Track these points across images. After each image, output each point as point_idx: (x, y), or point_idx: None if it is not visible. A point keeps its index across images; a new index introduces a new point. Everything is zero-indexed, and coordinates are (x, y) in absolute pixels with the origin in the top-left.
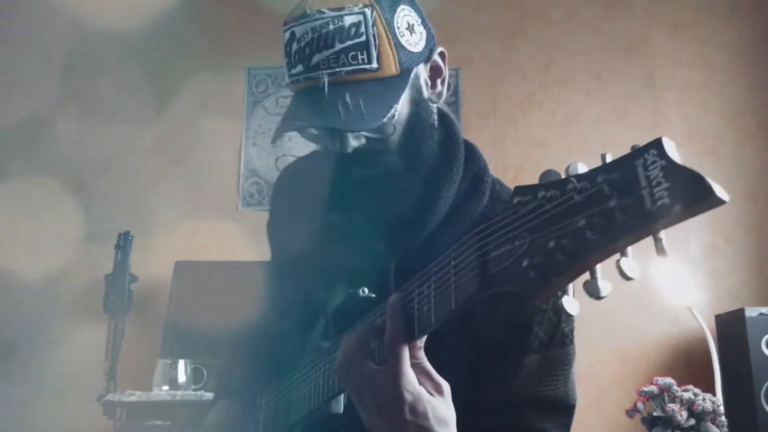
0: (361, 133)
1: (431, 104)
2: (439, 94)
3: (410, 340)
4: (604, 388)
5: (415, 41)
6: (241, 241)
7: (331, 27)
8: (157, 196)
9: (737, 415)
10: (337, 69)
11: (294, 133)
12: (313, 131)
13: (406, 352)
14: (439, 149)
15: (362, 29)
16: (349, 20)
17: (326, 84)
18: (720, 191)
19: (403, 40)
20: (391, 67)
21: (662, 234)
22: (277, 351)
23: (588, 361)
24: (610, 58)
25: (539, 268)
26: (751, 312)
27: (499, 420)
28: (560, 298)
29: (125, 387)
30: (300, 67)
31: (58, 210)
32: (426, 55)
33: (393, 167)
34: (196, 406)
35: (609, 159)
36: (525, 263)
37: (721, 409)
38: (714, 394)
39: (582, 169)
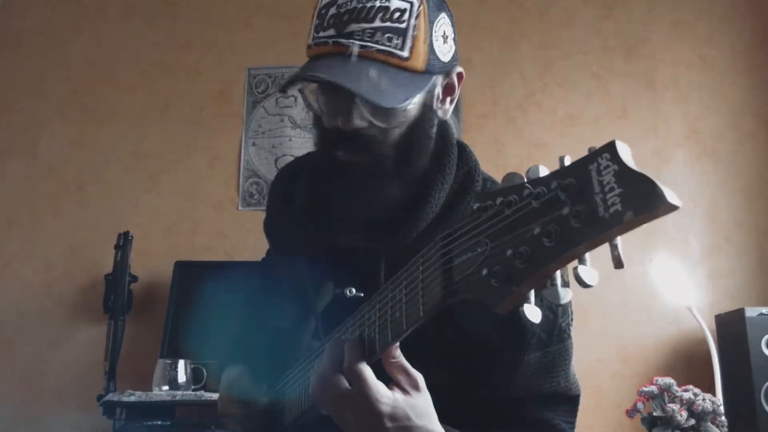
0: (367, 117)
1: (436, 117)
2: (445, 112)
3: (371, 359)
4: (604, 388)
5: (444, 51)
6: (241, 241)
7: (377, 4)
8: (157, 196)
9: (737, 415)
10: (369, 43)
11: (294, 132)
12: (319, 98)
13: (368, 371)
14: (432, 153)
15: (405, 17)
16: (395, 4)
17: (355, 53)
18: (672, 197)
19: (435, 45)
20: (419, 63)
21: (618, 241)
22: (272, 351)
23: (588, 361)
24: (609, 58)
25: (499, 276)
26: (751, 312)
27: (501, 413)
28: (522, 305)
29: (125, 387)
30: (331, 31)
31: (58, 210)
32: (447, 69)
33: (384, 161)
34: (196, 406)
35: (567, 161)
36: (485, 272)
37: (721, 409)
38: (714, 394)
39: (543, 172)
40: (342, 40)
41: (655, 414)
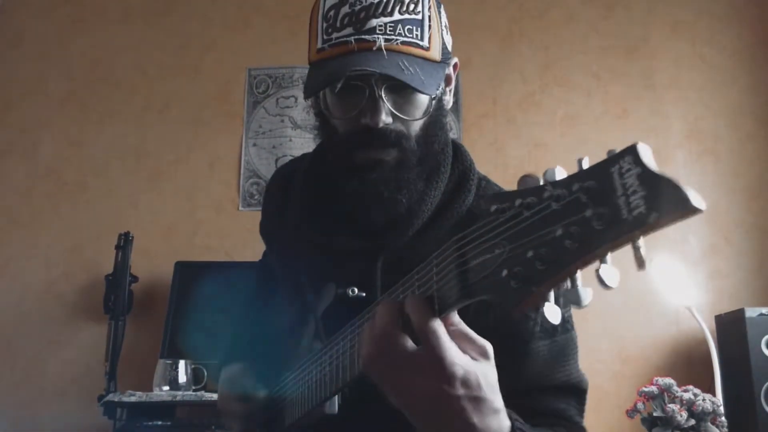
0: (394, 111)
1: (444, 107)
2: (447, 102)
3: (438, 314)
4: (604, 388)
5: (448, 41)
6: (241, 241)
7: None
8: (157, 196)
9: (737, 415)
10: (393, 36)
11: (294, 133)
12: (333, 101)
13: (440, 327)
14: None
15: (419, 8)
16: None
17: (383, 47)
18: (696, 199)
19: (444, 34)
20: (436, 53)
21: (641, 242)
22: (272, 352)
23: (588, 361)
24: (609, 58)
25: (519, 277)
26: (751, 312)
27: (514, 404)
28: (542, 305)
29: (125, 387)
30: (349, 30)
31: (58, 210)
32: (449, 59)
33: (409, 155)
34: (197, 407)
35: (586, 163)
36: (504, 273)
37: (721, 409)
38: (714, 395)
39: (560, 174)
40: (365, 36)
41: (655, 414)
